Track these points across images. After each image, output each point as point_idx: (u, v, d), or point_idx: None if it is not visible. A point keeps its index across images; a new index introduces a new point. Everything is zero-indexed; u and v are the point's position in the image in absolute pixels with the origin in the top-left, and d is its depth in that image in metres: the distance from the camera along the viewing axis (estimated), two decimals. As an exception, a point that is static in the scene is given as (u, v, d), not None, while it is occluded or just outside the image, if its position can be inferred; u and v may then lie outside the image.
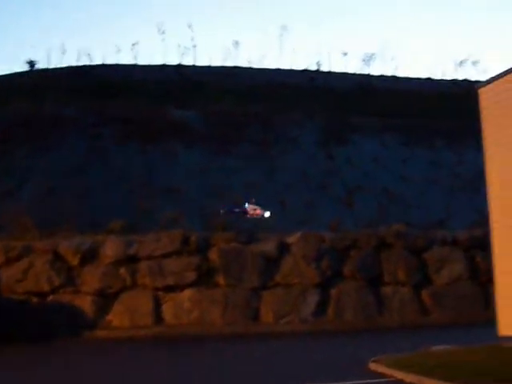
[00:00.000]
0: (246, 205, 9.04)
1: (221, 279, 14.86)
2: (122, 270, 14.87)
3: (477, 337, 11.41)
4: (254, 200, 9.32)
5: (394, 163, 22.29)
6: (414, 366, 8.29)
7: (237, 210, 8.68)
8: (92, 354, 11.89)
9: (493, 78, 12.13)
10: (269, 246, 15.31)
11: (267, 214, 9.15)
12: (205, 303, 14.74)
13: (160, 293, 14.79)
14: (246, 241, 15.28)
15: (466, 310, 15.87)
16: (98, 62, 30.94)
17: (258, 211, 9.37)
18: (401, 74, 30.16)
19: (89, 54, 31.22)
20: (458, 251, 16.34)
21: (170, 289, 14.79)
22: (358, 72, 29.71)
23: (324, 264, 15.39)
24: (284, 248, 15.42)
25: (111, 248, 14.99)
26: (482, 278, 15.98)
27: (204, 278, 14.90)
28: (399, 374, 8.05)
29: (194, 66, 29.60)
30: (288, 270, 15.20)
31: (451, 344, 10.54)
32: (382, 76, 29.20)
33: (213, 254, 15.01)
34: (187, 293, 14.78)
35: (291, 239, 15.50)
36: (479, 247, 16.14)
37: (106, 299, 14.76)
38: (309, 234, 15.64)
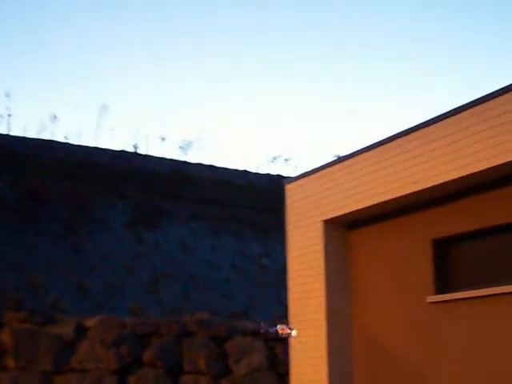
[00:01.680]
0: (278, 326, 9.43)
1: (11, 362, 13.98)
2: None
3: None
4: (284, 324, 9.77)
5: (202, 250, 22.41)
6: None
7: (272, 329, 8.98)
8: None
9: (300, 175, 12.64)
10: (65, 329, 14.68)
11: (294, 333, 9.51)
12: (-10, 387, 13.81)
13: None
14: (41, 322, 14.55)
15: (264, 401, 16.01)
16: None
17: (287, 330, 9.67)
18: (217, 163, 30.70)
19: None
20: (258, 342, 16.52)
21: (-48, 370, 13.73)
22: (174, 158, 29.90)
23: (123, 350, 14.96)
24: (81, 331, 14.85)
25: None
26: (281, 370, 16.23)
27: (-8, 359, 14.00)
28: None
29: (7, 135, 28.52)
30: (84, 355, 14.61)
31: None
32: (198, 164, 29.55)
33: (4, 335, 14.12)
34: (-29, 375, 13.78)
35: (90, 323, 14.97)
36: (279, 338, 16.47)
37: None
38: (109, 319, 15.19)
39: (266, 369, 16.39)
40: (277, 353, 16.48)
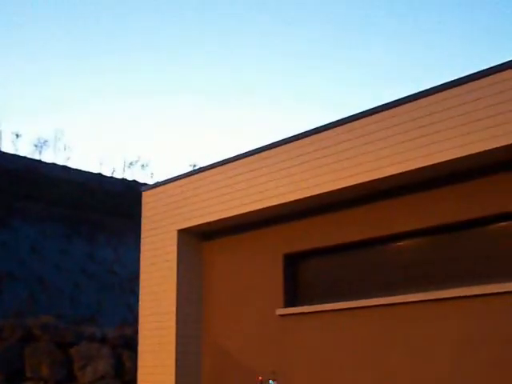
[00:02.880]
0: (271, 382, 8.88)
1: None
2: None
3: None
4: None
5: (51, 253, 21.87)
6: None
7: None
8: None
9: (157, 183, 12.66)
10: None
11: None
12: None
13: None
14: None
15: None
16: None
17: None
18: (72, 164, 30.17)
19: None
20: (105, 348, 16.30)
21: None
22: (28, 156, 29.10)
23: (-39, 354, 14.39)
24: None
25: None
26: (127, 377, 16.10)
27: None
28: None
29: None
30: None
31: None
32: (53, 164, 28.86)
33: None
34: None
35: None
36: (127, 346, 16.33)
37: None
38: None
39: (112, 376, 16.20)
40: (123, 360, 16.33)
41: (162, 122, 59.83)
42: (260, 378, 8.73)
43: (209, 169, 11.47)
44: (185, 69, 57.97)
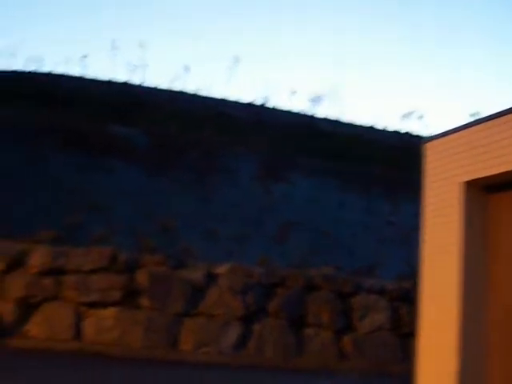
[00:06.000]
0: None
1: (145, 301, 14.56)
2: (47, 281, 14.41)
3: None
4: None
5: (329, 205, 22.38)
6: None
7: None
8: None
9: (439, 134, 12.32)
10: (197, 274, 15.11)
11: None
12: (126, 323, 14.38)
13: (83, 308, 14.38)
14: (174, 266, 15.06)
15: (385, 359, 15.96)
16: (45, 69, 30.07)
17: None
18: (346, 118, 30.49)
19: (37, 61, 30.41)
20: (383, 301, 16.43)
21: (93, 305, 14.39)
22: (303, 111, 29.91)
23: (249, 298, 15.27)
24: (211, 278, 15.24)
25: (38, 257, 14.51)
26: (404, 330, 16.12)
27: (129, 298, 14.59)
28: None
29: (141, 86, 29.21)
30: (213, 300, 15.02)
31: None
32: (326, 118, 29.43)
33: (141, 276, 14.70)
34: (110, 311, 14.40)
35: (220, 270, 15.35)
36: (405, 299, 16.32)
37: (27, 308, 14.24)
38: (238, 267, 15.52)
39: (389, 329, 16.32)
40: (400, 313, 16.36)
41: (437, 69, 58.36)
42: None
43: (497, 117, 10.91)
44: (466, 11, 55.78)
